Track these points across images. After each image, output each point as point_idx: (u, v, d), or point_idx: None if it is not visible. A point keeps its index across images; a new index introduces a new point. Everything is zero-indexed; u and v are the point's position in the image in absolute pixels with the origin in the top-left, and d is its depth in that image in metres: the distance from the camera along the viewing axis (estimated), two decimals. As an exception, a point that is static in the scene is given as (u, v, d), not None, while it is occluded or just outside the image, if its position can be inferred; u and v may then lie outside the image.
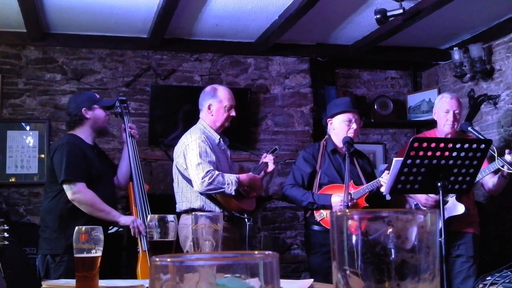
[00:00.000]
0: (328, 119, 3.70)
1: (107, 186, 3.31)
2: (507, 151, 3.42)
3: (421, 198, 3.58)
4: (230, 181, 3.22)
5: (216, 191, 3.24)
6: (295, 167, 3.71)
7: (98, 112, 3.35)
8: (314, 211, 3.56)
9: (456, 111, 3.68)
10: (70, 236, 2.98)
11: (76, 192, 3.09)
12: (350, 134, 3.57)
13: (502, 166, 3.38)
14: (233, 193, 3.24)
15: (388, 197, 3.61)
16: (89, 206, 3.09)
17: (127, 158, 3.45)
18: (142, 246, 3.04)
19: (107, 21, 4.53)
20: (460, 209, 3.52)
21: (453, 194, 3.45)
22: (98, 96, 3.45)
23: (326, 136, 3.75)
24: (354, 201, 3.40)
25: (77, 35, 4.81)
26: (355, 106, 3.70)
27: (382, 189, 3.41)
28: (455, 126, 3.68)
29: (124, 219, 3.16)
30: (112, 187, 3.42)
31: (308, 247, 3.71)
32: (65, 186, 3.11)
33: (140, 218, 3.15)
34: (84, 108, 3.31)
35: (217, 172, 3.22)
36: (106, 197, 3.19)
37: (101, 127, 3.39)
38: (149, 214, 3.08)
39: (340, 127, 3.61)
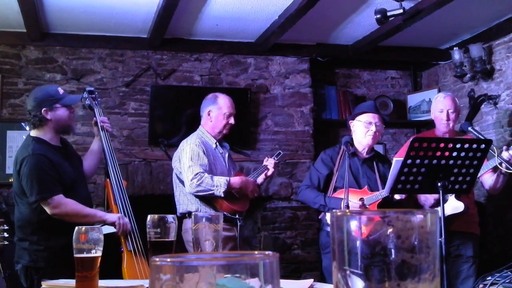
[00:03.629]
0: (350, 121, 3.66)
1: (82, 189, 3.11)
2: (504, 147, 3.42)
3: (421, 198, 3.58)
4: (219, 184, 3.32)
5: (205, 193, 3.34)
6: (313, 168, 3.71)
7: (60, 112, 3.02)
8: (326, 213, 3.55)
9: (450, 110, 3.67)
10: (51, 248, 2.92)
11: (56, 207, 2.87)
12: (368, 137, 3.52)
13: (500, 164, 3.38)
14: (222, 195, 3.34)
15: (397, 197, 3.56)
16: (73, 216, 2.86)
17: (96, 153, 3.32)
18: (127, 246, 2.93)
19: (107, 21, 4.53)
20: (459, 207, 3.51)
21: (451, 194, 3.44)
22: (61, 91, 3.09)
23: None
24: (367, 206, 3.34)
25: (77, 35, 4.80)
26: (378, 111, 3.64)
27: (397, 196, 3.37)
28: (451, 125, 3.68)
29: (111, 217, 2.95)
30: (86, 188, 3.22)
31: (320, 246, 3.75)
32: (42, 204, 2.88)
33: None
34: (44, 109, 2.98)
35: (206, 175, 3.32)
36: (83, 201, 2.99)
37: (64, 127, 3.08)
38: (130, 212, 3.04)
39: (359, 130, 3.56)
